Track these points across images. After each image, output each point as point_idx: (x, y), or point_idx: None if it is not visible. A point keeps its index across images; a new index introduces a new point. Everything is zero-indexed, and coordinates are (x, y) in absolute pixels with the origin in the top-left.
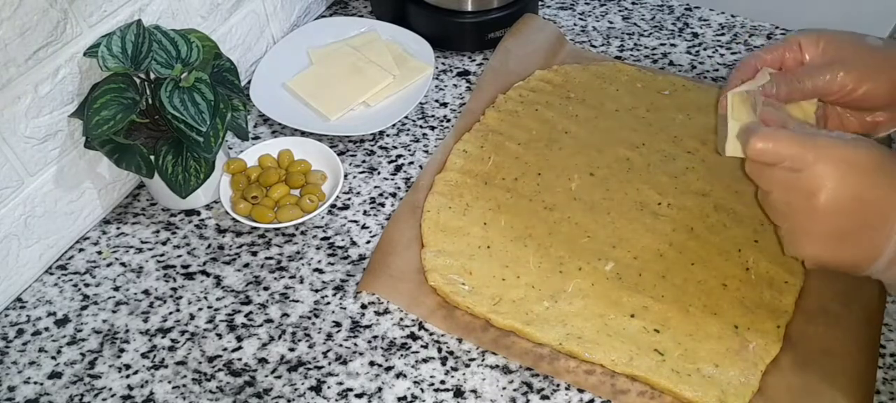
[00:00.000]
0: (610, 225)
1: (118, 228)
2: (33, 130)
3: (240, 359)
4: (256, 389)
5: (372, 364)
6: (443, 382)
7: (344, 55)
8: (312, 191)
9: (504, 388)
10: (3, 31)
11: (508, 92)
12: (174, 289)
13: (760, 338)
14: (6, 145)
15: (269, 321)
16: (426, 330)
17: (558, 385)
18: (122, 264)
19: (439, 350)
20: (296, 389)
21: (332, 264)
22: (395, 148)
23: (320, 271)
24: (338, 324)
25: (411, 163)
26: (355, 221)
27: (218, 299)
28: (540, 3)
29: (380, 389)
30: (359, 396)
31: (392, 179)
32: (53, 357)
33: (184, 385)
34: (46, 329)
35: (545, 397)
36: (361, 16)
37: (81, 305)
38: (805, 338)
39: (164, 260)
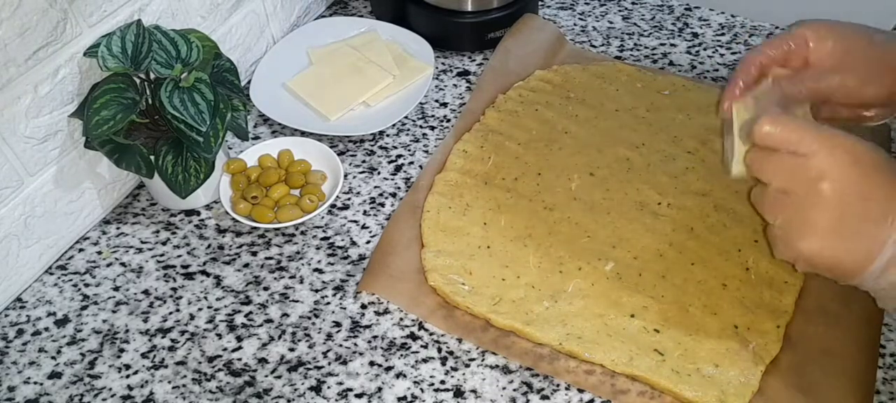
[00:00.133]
0: (610, 225)
1: (118, 228)
2: (33, 130)
3: (240, 359)
4: (256, 389)
5: (372, 364)
6: (443, 382)
7: (344, 55)
8: (312, 191)
9: (504, 388)
10: (3, 31)
11: (508, 92)
12: (174, 289)
13: (760, 338)
14: (6, 145)
15: (269, 321)
16: (426, 330)
17: (558, 385)
18: (122, 264)
19: (439, 350)
20: (296, 389)
21: (332, 264)
22: (395, 148)
23: (320, 271)
24: (338, 324)
25: (411, 163)
26: (355, 221)
27: (218, 299)
28: (540, 3)
29: (380, 389)
30: (359, 396)
31: (392, 179)
32: (53, 358)
33: (184, 386)
34: (46, 329)
35: (545, 397)
36: (361, 16)
37: (81, 305)
38: (805, 338)
39: (164, 260)
